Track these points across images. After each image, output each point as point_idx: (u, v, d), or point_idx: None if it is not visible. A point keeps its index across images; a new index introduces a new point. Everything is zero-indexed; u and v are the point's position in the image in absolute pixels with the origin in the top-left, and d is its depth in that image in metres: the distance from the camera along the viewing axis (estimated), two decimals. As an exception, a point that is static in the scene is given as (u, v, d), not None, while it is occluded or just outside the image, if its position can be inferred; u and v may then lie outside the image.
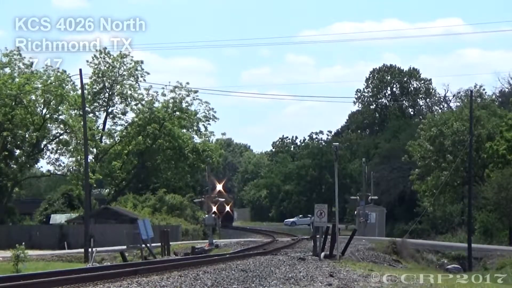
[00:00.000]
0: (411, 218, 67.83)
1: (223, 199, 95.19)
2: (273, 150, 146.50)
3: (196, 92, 76.34)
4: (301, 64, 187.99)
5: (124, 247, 40.57)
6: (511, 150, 63.90)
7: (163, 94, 76.30)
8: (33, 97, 61.59)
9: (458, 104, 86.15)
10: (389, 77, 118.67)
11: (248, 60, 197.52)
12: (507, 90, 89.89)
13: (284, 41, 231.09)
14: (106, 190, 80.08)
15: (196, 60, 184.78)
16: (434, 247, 48.70)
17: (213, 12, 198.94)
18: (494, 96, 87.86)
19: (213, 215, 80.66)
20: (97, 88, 74.40)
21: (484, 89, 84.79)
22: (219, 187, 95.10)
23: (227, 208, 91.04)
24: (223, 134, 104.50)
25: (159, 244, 40.82)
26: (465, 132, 65.71)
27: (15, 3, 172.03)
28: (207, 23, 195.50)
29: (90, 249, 38.78)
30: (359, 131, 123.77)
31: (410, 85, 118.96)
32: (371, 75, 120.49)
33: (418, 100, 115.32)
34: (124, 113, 75.79)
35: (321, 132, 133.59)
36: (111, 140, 76.52)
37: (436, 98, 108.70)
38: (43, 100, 61.45)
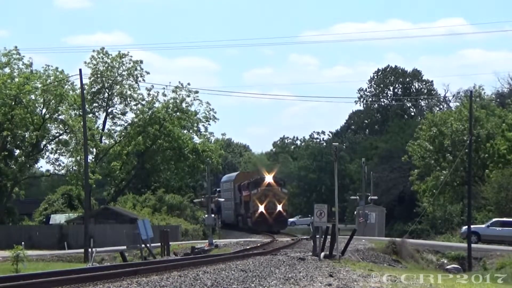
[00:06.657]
0: (411, 218, 67.83)
1: (274, 196, 68.22)
2: (274, 150, 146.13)
3: (197, 92, 76.46)
4: (303, 64, 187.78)
5: (124, 247, 40.62)
6: (512, 150, 64.00)
7: (164, 94, 76.44)
8: (33, 97, 61.58)
9: (458, 104, 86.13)
10: (392, 78, 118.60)
11: (250, 60, 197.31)
12: (505, 90, 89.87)
13: (286, 41, 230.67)
14: (105, 193, 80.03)
15: (198, 60, 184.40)
16: (433, 247, 48.59)
17: (215, 12, 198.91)
18: (493, 96, 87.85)
19: (259, 218, 67.27)
20: (96, 88, 74.39)
21: (483, 89, 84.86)
22: (268, 178, 68.64)
23: (279, 208, 68.49)
24: (223, 134, 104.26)
25: (159, 244, 40.87)
26: (464, 132, 65.67)
27: (16, 3, 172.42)
28: (209, 23, 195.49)
29: (90, 249, 38.83)
30: (359, 131, 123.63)
31: (412, 86, 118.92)
32: (375, 75, 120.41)
33: (419, 100, 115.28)
34: (123, 113, 75.87)
35: (323, 132, 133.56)
36: (111, 141, 76.49)
37: (436, 99, 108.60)
38: (42, 100, 61.42)
